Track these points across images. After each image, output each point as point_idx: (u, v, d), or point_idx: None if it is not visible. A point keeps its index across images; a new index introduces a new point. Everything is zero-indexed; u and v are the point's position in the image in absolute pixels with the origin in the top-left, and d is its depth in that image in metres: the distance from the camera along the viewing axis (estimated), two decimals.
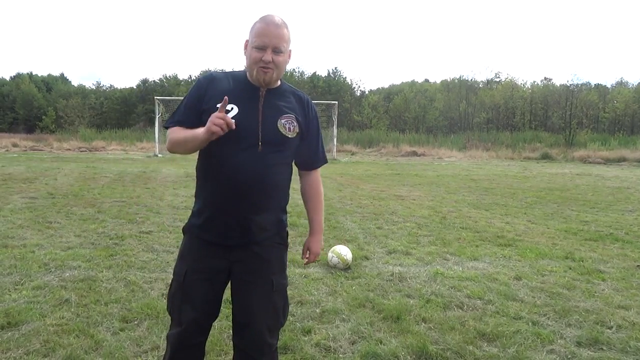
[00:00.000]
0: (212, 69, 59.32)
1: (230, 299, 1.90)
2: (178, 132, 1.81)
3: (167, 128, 1.89)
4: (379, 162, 21.74)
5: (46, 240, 5.04)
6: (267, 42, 1.74)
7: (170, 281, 1.98)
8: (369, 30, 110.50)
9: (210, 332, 2.91)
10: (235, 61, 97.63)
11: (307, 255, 2.11)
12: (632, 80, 64.20)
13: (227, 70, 1.95)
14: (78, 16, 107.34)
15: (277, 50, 1.76)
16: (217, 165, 1.79)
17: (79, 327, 2.93)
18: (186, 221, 1.94)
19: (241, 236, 1.82)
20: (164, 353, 2.14)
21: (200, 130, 1.69)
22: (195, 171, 1.92)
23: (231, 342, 2.79)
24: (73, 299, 3.39)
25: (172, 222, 6.18)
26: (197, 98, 1.83)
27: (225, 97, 1.68)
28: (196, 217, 1.88)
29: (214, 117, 1.65)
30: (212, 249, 1.84)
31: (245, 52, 1.84)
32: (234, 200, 1.79)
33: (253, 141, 1.77)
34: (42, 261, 4.27)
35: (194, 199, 1.92)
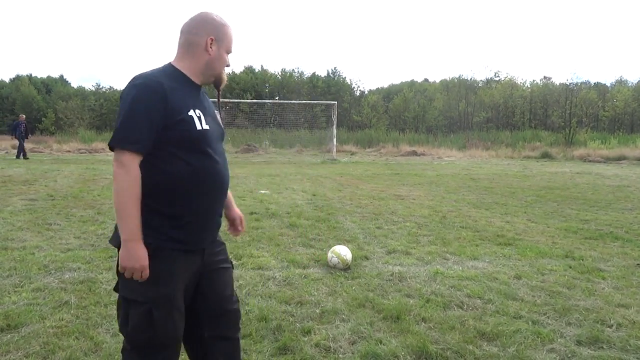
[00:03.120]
0: None
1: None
2: (133, 187, 1.64)
3: (115, 149, 1.64)
4: (378, 162, 21.74)
5: (46, 242, 5.04)
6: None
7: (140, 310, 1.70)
8: (368, 30, 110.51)
9: None
10: (236, 63, 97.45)
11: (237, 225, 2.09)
12: (632, 78, 63.99)
13: (152, 70, 1.76)
14: (77, 18, 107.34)
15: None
16: (200, 171, 1.72)
17: (79, 329, 2.93)
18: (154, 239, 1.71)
19: (213, 236, 1.88)
20: None
21: (132, 236, 1.63)
22: (156, 182, 1.70)
23: None
24: (73, 301, 3.39)
25: None
26: (159, 111, 1.65)
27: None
28: (175, 229, 1.73)
29: (136, 272, 1.64)
30: (191, 258, 1.79)
31: (207, 50, 1.77)
32: (217, 203, 1.83)
33: (221, 143, 1.87)
34: (42, 263, 4.27)
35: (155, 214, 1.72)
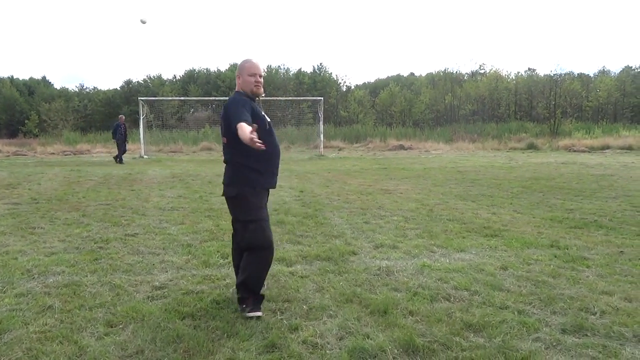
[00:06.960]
0: (196, 68, 58.92)
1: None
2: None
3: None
4: (366, 156, 21.77)
5: (29, 246, 4.96)
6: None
7: None
8: (353, 25, 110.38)
9: (196, 334, 2.90)
10: (222, 61, 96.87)
11: None
12: (614, 68, 65.03)
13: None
14: (59, 18, 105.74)
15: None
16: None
17: (63, 334, 2.89)
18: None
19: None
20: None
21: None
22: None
23: (217, 344, 2.78)
24: (57, 305, 3.34)
25: (158, 223, 6.11)
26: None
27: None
28: None
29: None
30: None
31: (237, 81, 3.29)
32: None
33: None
34: (25, 268, 4.20)
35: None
